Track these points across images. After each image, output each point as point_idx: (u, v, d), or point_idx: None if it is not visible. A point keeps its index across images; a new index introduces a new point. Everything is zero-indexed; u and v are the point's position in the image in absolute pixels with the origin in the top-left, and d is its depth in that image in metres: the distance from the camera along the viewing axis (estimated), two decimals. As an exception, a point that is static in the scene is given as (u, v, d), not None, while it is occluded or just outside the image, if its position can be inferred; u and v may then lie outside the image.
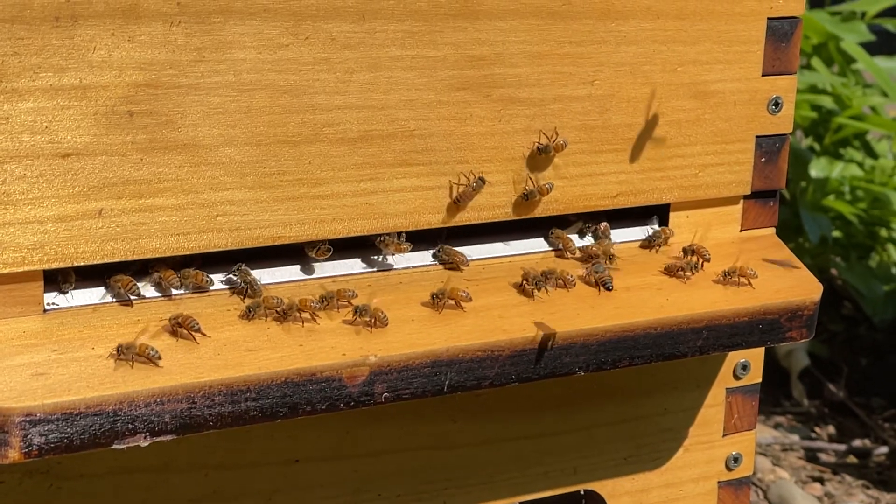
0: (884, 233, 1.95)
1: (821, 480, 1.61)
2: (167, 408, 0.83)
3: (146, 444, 0.83)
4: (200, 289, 0.91)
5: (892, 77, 1.96)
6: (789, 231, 1.88)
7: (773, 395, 1.81)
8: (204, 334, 0.87)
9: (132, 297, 0.89)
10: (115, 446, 0.82)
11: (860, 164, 1.96)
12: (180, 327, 0.86)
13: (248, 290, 0.91)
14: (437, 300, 0.94)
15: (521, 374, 0.94)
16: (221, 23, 0.87)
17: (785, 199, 1.92)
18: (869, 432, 1.74)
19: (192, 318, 0.86)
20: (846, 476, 1.62)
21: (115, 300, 0.89)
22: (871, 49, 1.99)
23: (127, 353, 0.84)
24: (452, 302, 0.95)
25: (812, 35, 1.92)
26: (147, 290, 0.90)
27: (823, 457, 1.68)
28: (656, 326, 0.97)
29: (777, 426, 1.74)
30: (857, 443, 1.71)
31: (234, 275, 0.92)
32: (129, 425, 0.82)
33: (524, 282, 0.97)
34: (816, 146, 1.98)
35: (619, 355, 0.97)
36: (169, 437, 0.84)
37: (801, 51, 1.93)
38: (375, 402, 0.89)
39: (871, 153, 1.99)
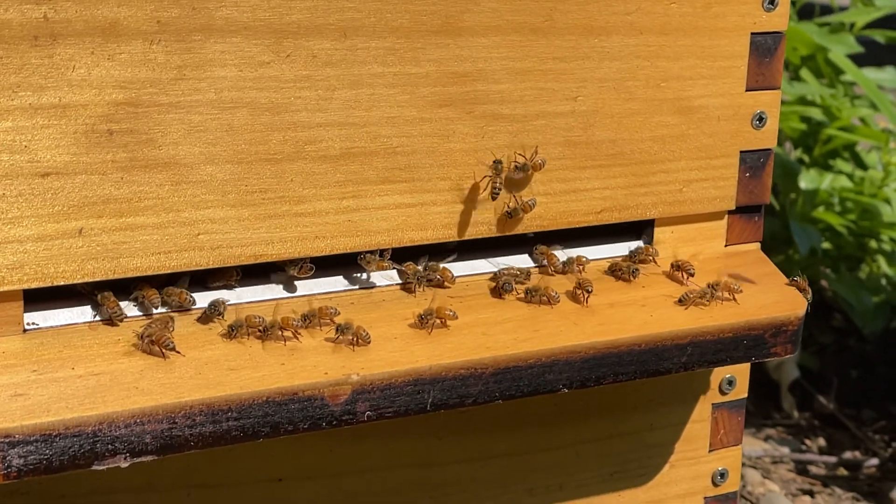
0: (873, 244, 1.95)
1: (811, 493, 1.61)
2: (147, 428, 0.83)
3: (126, 464, 0.83)
4: (183, 308, 0.91)
5: (880, 88, 1.96)
6: (779, 243, 1.88)
7: (763, 408, 1.81)
8: (178, 353, 0.86)
9: (116, 319, 0.88)
10: (94, 467, 0.82)
11: (850, 176, 1.96)
12: (153, 345, 0.86)
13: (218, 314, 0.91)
14: (425, 320, 0.94)
15: (505, 392, 0.94)
16: (202, 41, 0.87)
17: (774, 211, 1.92)
18: (859, 444, 1.73)
19: (166, 336, 0.86)
20: (836, 488, 1.62)
21: (97, 319, 0.89)
22: (860, 60, 1.99)
23: (144, 341, 0.85)
24: (439, 321, 0.94)
25: (800, 47, 1.92)
26: (129, 308, 0.90)
27: (814, 469, 1.67)
28: (640, 343, 0.97)
29: (767, 438, 1.73)
30: (847, 455, 1.70)
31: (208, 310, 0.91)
32: (109, 446, 0.82)
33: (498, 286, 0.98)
34: (806, 158, 1.98)
35: (603, 372, 0.96)
36: (150, 458, 0.83)
37: (789, 62, 1.94)
38: (358, 421, 0.89)
39: (861, 164, 1.99)
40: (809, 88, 1.91)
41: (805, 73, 1.93)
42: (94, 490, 0.91)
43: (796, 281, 1.06)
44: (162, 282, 0.91)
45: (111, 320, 0.88)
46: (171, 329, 0.88)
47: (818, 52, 1.93)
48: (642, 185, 1.04)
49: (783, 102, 1.93)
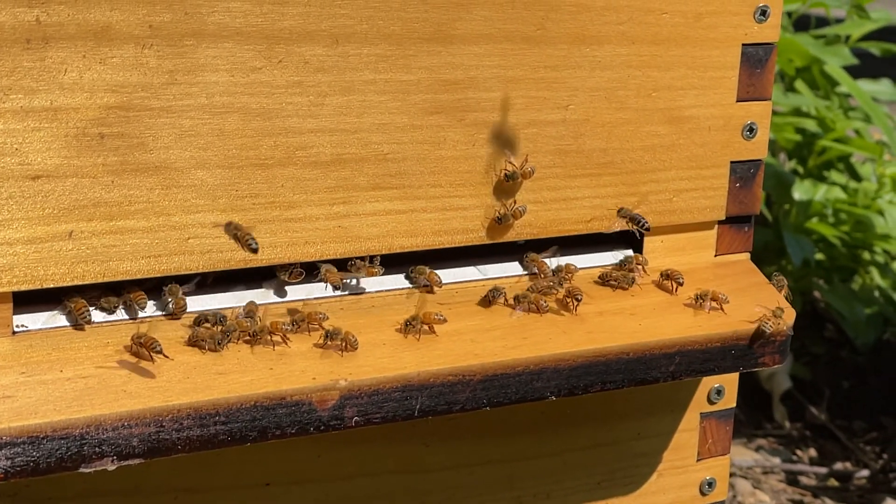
0: (867, 255, 1.95)
1: (801, 504, 1.61)
2: (135, 431, 0.83)
3: (113, 467, 0.83)
4: (173, 315, 0.91)
5: (875, 100, 1.97)
6: (772, 253, 1.88)
7: (754, 418, 1.81)
8: (166, 356, 0.87)
9: (84, 324, 0.88)
10: (81, 470, 0.82)
11: (843, 187, 1.97)
12: (141, 347, 0.86)
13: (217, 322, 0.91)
14: (411, 327, 0.94)
15: (493, 399, 0.94)
16: (194, 45, 0.87)
17: (768, 222, 1.92)
18: (850, 455, 1.74)
19: (154, 339, 0.86)
20: (827, 499, 1.62)
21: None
22: (855, 72, 2.00)
23: (136, 343, 0.86)
24: (426, 327, 0.94)
25: (796, 58, 1.92)
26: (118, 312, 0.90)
27: (804, 480, 1.67)
28: (628, 352, 0.97)
29: (758, 449, 1.74)
30: (838, 466, 1.71)
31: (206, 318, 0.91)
32: (97, 449, 0.82)
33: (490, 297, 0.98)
34: (800, 169, 1.99)
35: (591, 380, 0.97)
36: (137, 461, 0.84)
37: (784, 74, 1.94)
38: (345, 427, 0.89)
39: (855, 176, 1.99)
40: (804, 100, 1.91)
41: (800, 84, 1.93)
42: (81, 493, 0.91)
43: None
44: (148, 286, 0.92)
45: (79, 324, 0.88)
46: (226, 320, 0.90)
47: (813, 63, 1.93)
48: (632, 194, 1.04)
49: (778, 114, 1.94)
